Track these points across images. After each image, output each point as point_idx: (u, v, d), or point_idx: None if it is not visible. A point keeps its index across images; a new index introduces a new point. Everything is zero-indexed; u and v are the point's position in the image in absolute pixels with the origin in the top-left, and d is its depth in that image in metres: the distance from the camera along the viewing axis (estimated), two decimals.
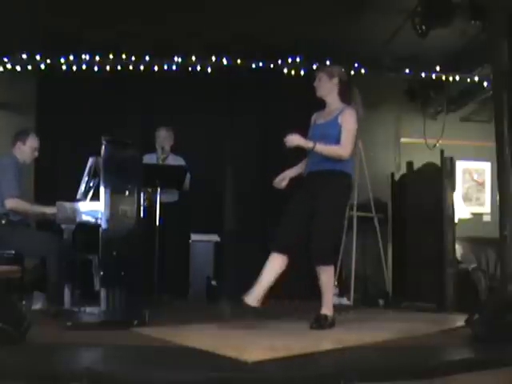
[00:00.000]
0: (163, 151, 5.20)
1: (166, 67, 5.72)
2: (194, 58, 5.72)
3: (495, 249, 4.56)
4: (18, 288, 3.87)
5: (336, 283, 5.40)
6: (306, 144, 3.52)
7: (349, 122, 3.57)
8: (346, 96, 3.68)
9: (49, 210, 3.95)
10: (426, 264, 5.16)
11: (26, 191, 4.56)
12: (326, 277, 3.55)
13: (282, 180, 3.83)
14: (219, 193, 6.04)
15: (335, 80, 3.68)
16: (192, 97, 5.90)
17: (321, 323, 3.47)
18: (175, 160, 5.27)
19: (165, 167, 5.11)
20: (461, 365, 2.69)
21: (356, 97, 3.71)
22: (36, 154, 4.40)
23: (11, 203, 4.07)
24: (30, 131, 4.44)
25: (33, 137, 4.36)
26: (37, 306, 4.07)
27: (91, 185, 3.82)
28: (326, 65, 3.87)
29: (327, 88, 3.69)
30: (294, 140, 3.50)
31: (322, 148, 3.51)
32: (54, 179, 5.67)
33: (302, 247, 3.56)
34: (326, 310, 3.54)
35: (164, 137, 5.25)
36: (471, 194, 6.80)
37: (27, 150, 4.32)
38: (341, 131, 3.56)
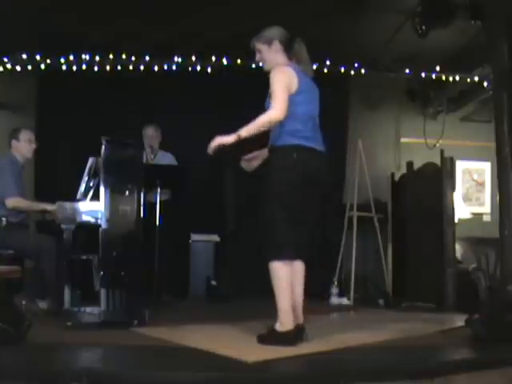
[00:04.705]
0: (152, 150, 5.19)
1: (166, 67, 5.72)
2: (193, 58, 5.72)
3: (495, 249, 4.56)
4: (17, 288, 3.87)
5: (336, 283, 5.41)
6: (229, 139, 3.03)
7: (272, 78, 3.02)
8: (289, 55, 3.19)
9: (49, 206, 3.98)
10: (426, 264, 5.17)
11: (26, 191, 4.56)
12: (273, 277, 2.95)
13: (252, 160, 3.34)
14: (219, 193, 6.04)
15: (275, 45, 3.16)
16: (192, 97, 5.90)
17: (261, 339, 2.97)
18: (164, 157, 5.25)
19: (161, 167, 5.09)
20: (461, 365, 2.70)
21: (302, 53, 3.22)
22: (34, 145, 4.38)
23: (12, 202, 4.10)
24: (20, 128, 4.43)
25: (24, 130, 4.37)
26: (38, 305, 4.07)
27: (91, 185, 3.82)
28: (259, 34, 3.20)
29: (271, 58, 3.17)
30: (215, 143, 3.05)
31: (246, 130, 2.98)
32: (54, 179, 5.66)
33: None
34: (277, 323, 2.96)
35: (152, 135, 5.23)
36: (471, 194, 6.80)
37: (23, 144, 4.32)
38: None
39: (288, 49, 3.18)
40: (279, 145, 3.05)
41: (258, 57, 3.23)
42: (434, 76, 5.98)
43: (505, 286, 3.82)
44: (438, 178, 5.09)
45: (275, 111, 2.96)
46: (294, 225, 2.99)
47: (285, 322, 2.92)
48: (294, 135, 3.02)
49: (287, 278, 2.95)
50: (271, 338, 2.91)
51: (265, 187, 3.04)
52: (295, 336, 2.93)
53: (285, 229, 2.96)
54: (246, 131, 2.97)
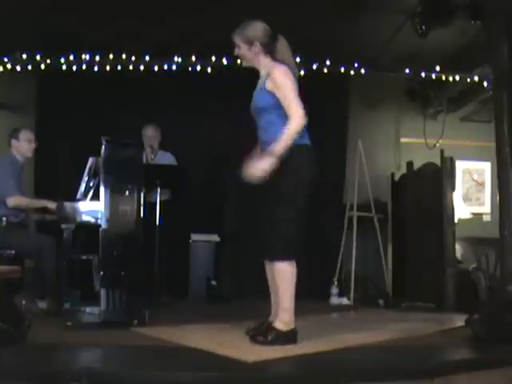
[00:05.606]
0: (152, 150, 5.19)
1: (166, 67, 5.71)
2: (193, 58, 5.71)
3: (495, 249, 4.56)
4: (17, 288, 3.88)
5: (336, 283, 5.41)
6: (268, 165, 2.87)
7: (280, 81, 2.98)
8: (273, 55, 3.15)
9: (50, 204, 3.99)
10: (426, 264, 5.17)
11: (26, 191, 4.56)
12: (280, 277, 2.96)
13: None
14: (219, 193, 6.04)
15: (256, 46, 3.13)
16: (192, 97, 5.90)
17: (259, 338, 2.94)
18: (164, 157, 5.25)
19: (161, 167, 5.09)
20: (461, 365, 2.70)
21: (285, 52, 3.15)
22: (33, 145, 4.40)
23: (14, 201, 4.11)
24: (20, 127, 4.45)
25: (24, 130, 4.39)
26: (38, 305, 4.08)
27: (91, 185, 3.82)
28: (241, 28, 3.18)
29: (250, 58, 3.18)
30: (255, 172, 2.89)
31: (281, 148, 2.87)
32: (54, 179, 5.67)
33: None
34: (278, 322, 2.97)
35: (152, 135, 5.24)
36: (471, 194, 6.80)
37: (23, 143, 4.33)
38: (276, 98, 2.99)
39: (270, 50, 3.15)
40: (294, 144, 2.96)
41: (236, 51, 3.21)
42: (434, 76, 5.97)
43: (505, 286, 3.83)
44: (438, 178, 5.09)
45: (298, 117, 2.91)
46: (300, 225, 3.02)
47: (290, 321, 2.96)
48: (302, 134, 3.00)
49: (294, 278, 2.98)
50: (275, 337, 2.91)
51: (274, 187, 2.97)
52: (296, 334, 2.97)
53: (296, 229, 2.98)
54: (281, 148, 2.88)
